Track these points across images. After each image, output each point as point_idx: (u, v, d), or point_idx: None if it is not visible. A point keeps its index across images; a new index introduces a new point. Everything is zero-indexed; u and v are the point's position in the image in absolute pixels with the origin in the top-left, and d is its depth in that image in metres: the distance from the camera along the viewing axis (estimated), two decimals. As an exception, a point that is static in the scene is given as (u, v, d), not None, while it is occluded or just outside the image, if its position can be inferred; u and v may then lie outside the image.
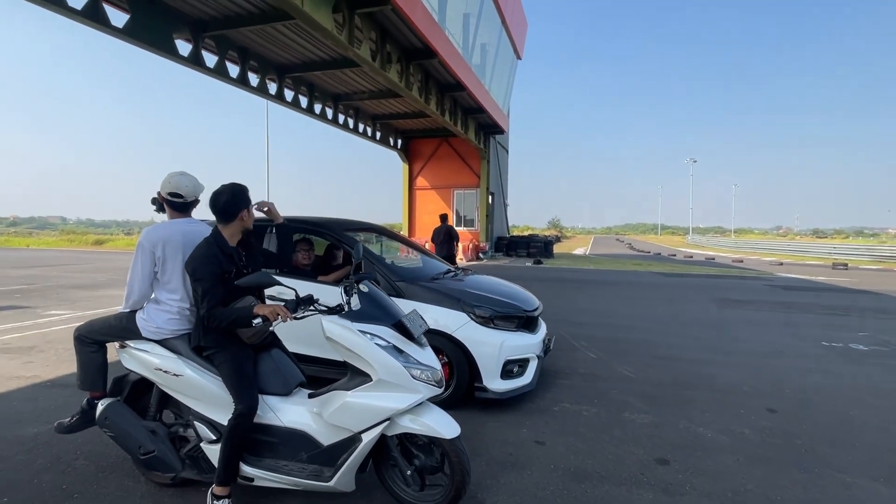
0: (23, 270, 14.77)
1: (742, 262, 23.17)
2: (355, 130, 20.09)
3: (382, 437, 2.36)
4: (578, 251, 32.61)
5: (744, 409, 3.89)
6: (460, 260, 19.96)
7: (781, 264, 21.47)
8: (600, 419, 3.67)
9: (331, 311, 2.44)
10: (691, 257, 26.63)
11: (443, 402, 3.29)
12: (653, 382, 4.55)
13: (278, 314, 2.25)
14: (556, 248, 27.05)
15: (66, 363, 5.04)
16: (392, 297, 3.59)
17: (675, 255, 28.23)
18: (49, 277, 12.98)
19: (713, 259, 25.10)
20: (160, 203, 2.69)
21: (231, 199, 2.39)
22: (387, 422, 2.30)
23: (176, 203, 2.62)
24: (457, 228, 23.69)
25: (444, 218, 10.55)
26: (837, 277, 15.49)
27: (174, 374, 2.48)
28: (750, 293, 11.25)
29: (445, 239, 10.03)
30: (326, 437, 2.39)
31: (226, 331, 2.39)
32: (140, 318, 2.56)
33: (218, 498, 2.31)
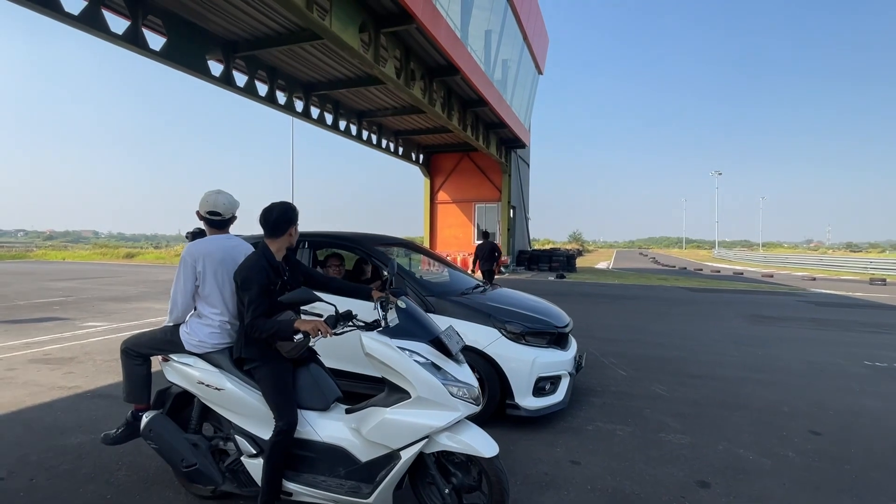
0: (60, 283, 15.32)
1: (772, 276, 22.51)
2: (378, 146, 20.41)
3: (419, 455, 2.35)
4: (601, 265, 32.20)
5: (786, 431, 3.75)
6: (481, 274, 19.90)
7: (814, 279, 20.78)
8: (636, 439, 3.59)
9: (368, 326, 2.48)
10: (718, 272, 26.01)
11: (474, 419, 3.26)
12: (687, 401, 4.44)
13: (319, 330, 2.28)
14: (579, 262, 26.77)
15: (104, 374, 5.18)
16: (424, 313, 3.62)
17: (701, 270, 27.61)
18: (85, 290, 13.43)
19: (741, 274, 24.47)
20: (193, 232, 2.81)
21: (281, 216, 2.48)
22: (426, 439, 2.29)
23: (214, 221, 2.72)
24: (477, 242, 23.76)
25: (486, 235, 11.77)
26: (876, 293, 14.91)
27: (216, 388, 2.53)
28: (783, 309, 10.91)
29: (488, 255, 11.19)
30: (364, 454, 2.39)
31: (267, 344, 2.44)
32: (184, 331, 2.63)
33: None
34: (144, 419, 2.66)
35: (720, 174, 66.46)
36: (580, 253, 45.85)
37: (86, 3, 8.84)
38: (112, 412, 3.97)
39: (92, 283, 15.32)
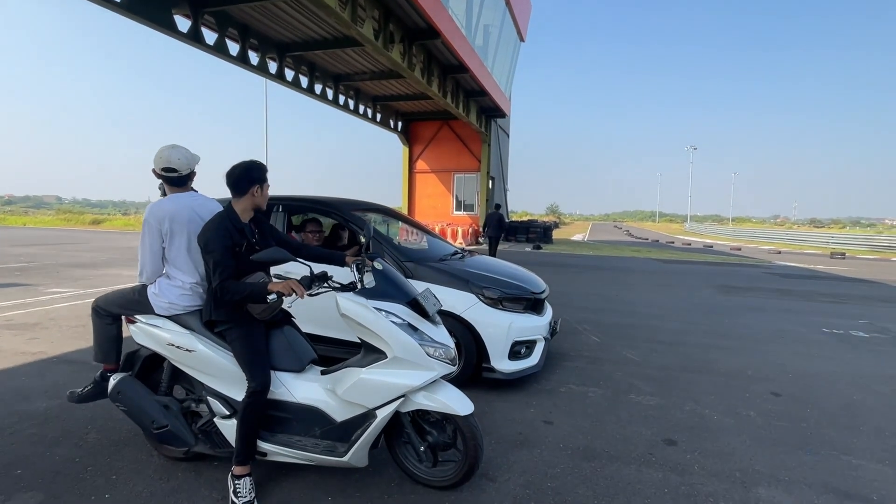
0: (21, 248, 14.69)
1: (740, 250, 23.23)
2: (356, 112, 19.85)
3: (395, 414, 2.37)
4: (577, 237, 32.63)
5: (748, 393, 3.93)
6: (459, 244, 19.96)
7: (779, 253, 21.54)
8: (607, 400, 3.70)
9: (344, 287, 2.44)
10: (689, 245, 26.69)
11: (451, 382, 3.30)
12: (657, 366, 4.59)
13: (293, 290, 2.23)
14: (555, 234, 27.06)
15: (71, 339, 5.03)
16: (402, 277, 3.59)
17: (673, 243, 28.28)
18: (48, 256, 12.92)
19: (711, 247, 25.16)
20: (163, 189, 2.67)
21: (243, 174, 2.37)
22: (401, 399, 2.30)
23: (172, 178, 2.58)
24: (456, 213, 23.63)
25: (497, 207, 13.46)
26: (835, 266, 15.56)
27: (186, 350, 2.47)
28: (749, 280, 11.29)
29: (497, 224, 12.80)
30: (340, 414, 2.39)
31: (238, 306, 2.38)
32: (152, 293, 2.53)
33: (238, 477, 2.32)
34: (112, 381, 2.59)
35: (695, 149, 67.42)
36: (557, 225, 46.28)
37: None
38: (79, 377, 3.86)
39: (56, 250, 14.74)
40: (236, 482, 2.31)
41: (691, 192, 70.07)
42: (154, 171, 2.59)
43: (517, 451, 2.88)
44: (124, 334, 2.72)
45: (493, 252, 13.06)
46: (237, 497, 2.27)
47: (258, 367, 2.34)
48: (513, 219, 30.23)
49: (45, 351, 4.63)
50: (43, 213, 45.78)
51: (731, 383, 4.16)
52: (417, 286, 3.32)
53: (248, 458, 2.36)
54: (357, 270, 2.47)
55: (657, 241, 30.59)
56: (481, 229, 12.96)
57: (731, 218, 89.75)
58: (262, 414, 2.38)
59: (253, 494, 2.31)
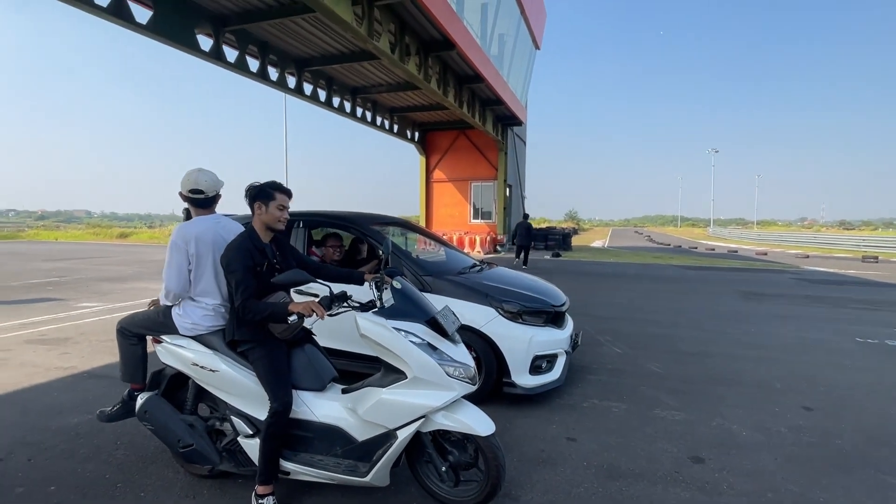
0: (53, 263, 15.20)
1: (766, 254, 22.64)
2: (373, 123, 20.10)
3: (416, 433, 2.36)
4: (597, 244, 32.27)
5: (778, 407, 3.81)
6: (477, 252, 19.93)
7: (808, 257, 20.92)
8: (631, 416, 3.63)
9: (364, 307, 2.46)
10: (713, 250, 26.14)
11: (471, 397, 3.27)
12: (682, 378, 4.48)
13: (313, 311, 2.26)
14: (574, 241, 26.80)
15: (100, 354, 5.17)
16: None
17: (696, 248, 27.73)
18: (79, 270, 13.34)
19: (736, 252, 24.60)
20: (187, 210, 2.74)
21: (247, 193, 2.48)
22: (422, 419, 2.30)
23: (198, 199, 2.65)
24: (473, 221, 23.64)
25: (525, 216, 14.69)
26: (868, 271, 15.03)
27: (210, 370, 2.51)
28: (776, 287, 10.99)
29: (525, 233, 13.97)
30: (361, 433, 2.40)
31: (260, 325, 2.42)
32: (176, 313, 2.59)
33: (262, 497, 2.35)
34: (139, 400, 2.65)
35: (717, 152, 66.20)
36: (576, 231, 45.87)
37: (67, -26, 8.52)
38: (108, 392, 3.97)
39: (86, 264, 15.21)
40: (260, 501, 2.34)
41: (714, 196, 68.72)
42: (181, 193, 2.67)
43: (540, 470, 2.84)
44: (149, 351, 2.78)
45: (525, 260, 14.20)
46: None
47: (280, 388, 2.36)
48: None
49: (76, 366, 4.77)
50: (73, 227, 47.38)
51: (759, 396, 4.04)
52: (436, 300, 3.33)
53: (271, 477, 2.38)
54: (376, 288, 2.49)
55: (679, 246, 30.02)
56: (511, 239, 14.66)
57: (755, 221, 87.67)
58: (285, 434, 2.40)
59: None
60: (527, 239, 13.97)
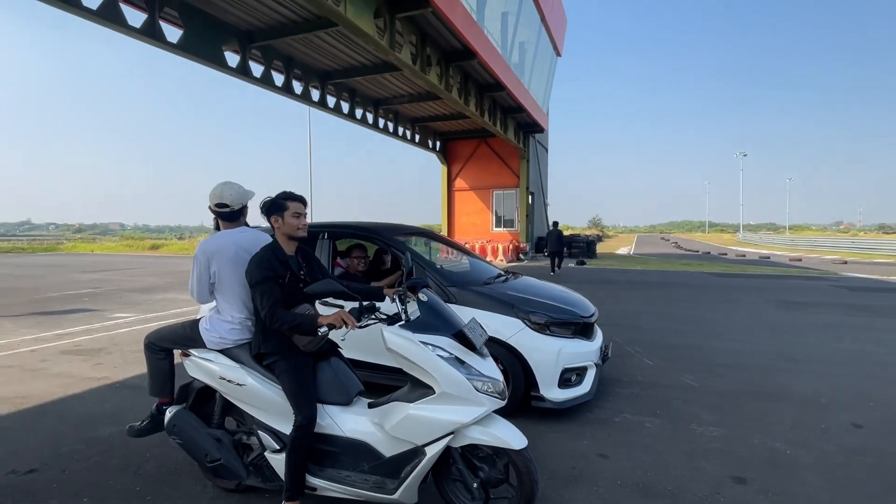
0: (89, 275, 15.74)
1: (800, 260, 21.84)
2: (395, 134, 20.29)
3: (445, 449, 2.30)
4: (622, 251, 31.70)
5: (825, 424, 3.60)
6: (500, 261, 19.79)
7: (845, 263, 20.08)
8: (665, 431, 3.48)
9: (390, 320, 2.42)
10: (744, 256, 25.34)
11: (499, 412, 3.21)
12: (718, 392, 4.30)
13: (345, 322, 2.24)
14: (599, 248, 26.37)
15: (131, 364, 5.28)
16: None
17: (725, 254, 26.96)
18: (112, 281, 13.77)
19: (768, 258, 23.79)
20: (217, 221, 2.78)
21: (262, 209, 2.50)
22: (451, 435, 2.24)
23: (224, 213, 2.67)
24: (496, 229, 23.55)
25: (555, 224, 15.46)
26: (913, 277, 14.31)
27: (237, 384, 2.51)
28: (814, 294, 10.54)
29: (556, 240, 14.74)
30: (388, 449, 2.35)
31: (286, 338, 2.41)
32: (203, 328, 2.61)
33: None
34: (168, 414, 2.66)
35: (745, 155, 64.52)
36: (600, 238, 45.14)
37: (103, -3, 8.88)
38: (139, 403, 4.03)
39: (119, 275, 15.70)
40: None
41: (743, 200, 66.85)
42: (210, 207, 2.70)
43: (571, 488, 2.74)
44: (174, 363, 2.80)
45: (558, 264, 15.02)
46: None
47: (304, 401, 2.34)
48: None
49: (109, 376, 4.87)
50: (108, 240, 49.14)
51: (803, 412, 3.83)
52: (460, 312, 3.27)
53: (297, 493, 2.34)
54: (400, 302, 2.45)
55: (708, 252, 29.24)
56: (543, 247, 15.92)
57: (787, 226, 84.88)
58: (310, 448, 2.36)
59: None
60: (558, 245, 14.70)
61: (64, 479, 2.86)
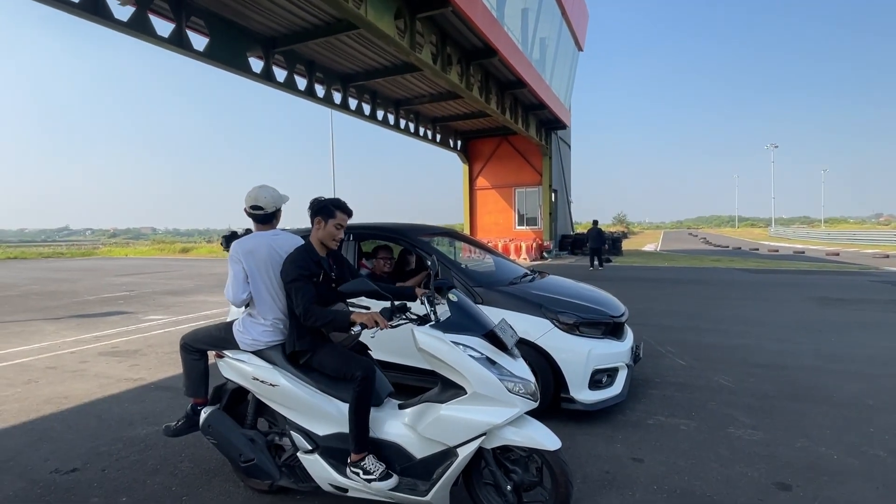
0: (124, 278, 16.27)
1: (838, 255, 20.98)
2: (416, 134, 20.35)
3: (477, 451, 2.27)
4: (649, 247, 31.06)
5: (873, 427, 3.42)
6: (523, 259, 19.63)
7: (887, 257, 19.20)
8: (702, 434, 3.37)
9: (421, 320, 2.41)
10: (777, 251, 24.52)
11: (528, 414, 3.16)
12: (756, 394, 4.14)
13: (376, 321, 2.24)
14: (625, 245, 25.87)
15: (166, 366, 5.41)
16: (473, 304, 3.52)
17: (757, 249, 26.15)
18: (146, 284, 14.20)
19: (802, 252, 22.96)
20: (226, 236, 2.84)
21: (310, 207, 2.57)
22: (483, 436, 2.21)
23: (258, 215, 2.71)
24: (518, 228, 23.36)
25: (595, 222, 16.71)
26: (961, 271, 13.58)
27: (270, 384, 2.53)
28: (854, 291, 10.10)
29: (596, 237, 16.05)
30: (420, 450, 2.34)
31: (320, 334, 2.49)
32: (237, 329, 2.64)
33: (356, 463, 2.33)
34: (203, 414, 2.71)
35: (776, 147, 62.48)
36: (626, 235, 44.37)
37: (134, 9, 9.16)
38: (174, 404, 4.12)
39: (152, 278, 16.18)
40: (362, 464, 2.31)
41: (774, 194, 64.75)
42: (245, 209, 2.74)
43: (606, 493, 2.67)
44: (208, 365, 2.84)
45: (601, 262, 16.19)
46: (368, 474, 2.29)
47: (354, 363, 2.40)
48: (578, 230, 29.36)
49: (145, 377, 5.01)
50: (141, 244, 50.80)
51: (848, 415, 3.65)
52: (489, 312, 3.23)
53: (363, 445, 2.35)
54: (429, 303, 2.44)
55: (739, 248, 28.39)
56: (584, 243, 17.73)
57: (822, 219, 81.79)
58: (369, 403, 2.38)
59: (382, 466, 2.31)
60: (599, 242, 16.04)
61: (104, 479, 2.94)
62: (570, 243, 23.87)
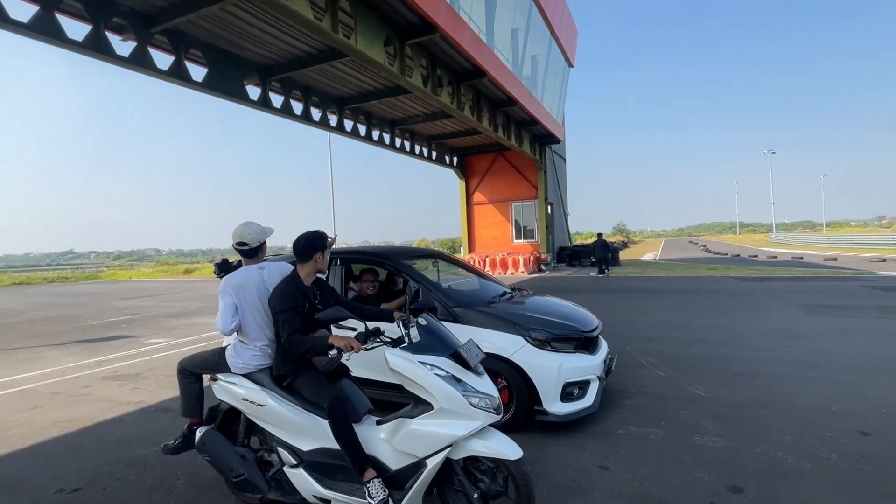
0: (127, 301, 16.55)
1: (835, 259, 21.12)
2: (412, 153, 20.73)
3: (448, 462, 2.48)
4: (647, 257, 31.20)
5: (831, 432, 3.61)
6: (521, 272, 19.83)
7: (884, 261, 19.33)
8: (668, 442, 3.57)
9: (394, 342, 2.64)
10: (775, 257, 24.64)
11: (504, 426, 3.36)
12: (728, 402, 4.33)
13: (351, 346, 2.48)
14: (624, 255, 26.07)
15: (165, 389, 5.64)
16: (449, 323, 3.75)
17: (756, 256, 26.26)
18: (148, 307, 14.46)
19: (801, 258, 23.08)
20: (219, 264, 3.10)
21: (307, 244, 2.77)
22: (449, 448, 2.42)
23: (244, 250, 2.96)
24: (516, 241, 23.59)
25: (600, 235, 18.67)
26: (953, 274, 13.71)
27: (258, 404, 2.76)
28: (843, 296, 10.27)
29: (602, 248, 17.98)
30: (394, 462, 2.56)
31: (302, 359, 2.70)
32: (229, 354, 2.88)
33: (368, 481, 2.48)
34: (198, 434, 2.93)
35: (773, 153, 62.90)
36: (625, 245, 44.56)
37: (135, 45, 9.57)
38: (172, 425, 4.34)
39: (155, 301, 16.45)
40: (368, 485, 2.47)
41: (774, 199, 64.95)
42: (233, 245, 3.00)
43: (569, 499, 2.87)
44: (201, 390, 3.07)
45: (607, 270, 17.92)
46: (372, 498, 2.44)
47: (325, 391, 2.62)
48: (577, 241, 29.58)
49: (145, 400, 5.23)
50: (145, 265, 51.23)
51: (811, 420, 3.84)
52: (465, 331, 3.45)
53: (362, 463, 2.51)
54: (403, 326, 2.67)
55: (738, 255, 28.51)
56: (591, 254, 19.23)
57: (824, 224, 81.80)
58: (348, 425, 2.54)
59: (386, 492, 2.45)
60: (604, 252, 17.95)
61: (105, 497, 3.15)
62: (568, 255, 24.07)
